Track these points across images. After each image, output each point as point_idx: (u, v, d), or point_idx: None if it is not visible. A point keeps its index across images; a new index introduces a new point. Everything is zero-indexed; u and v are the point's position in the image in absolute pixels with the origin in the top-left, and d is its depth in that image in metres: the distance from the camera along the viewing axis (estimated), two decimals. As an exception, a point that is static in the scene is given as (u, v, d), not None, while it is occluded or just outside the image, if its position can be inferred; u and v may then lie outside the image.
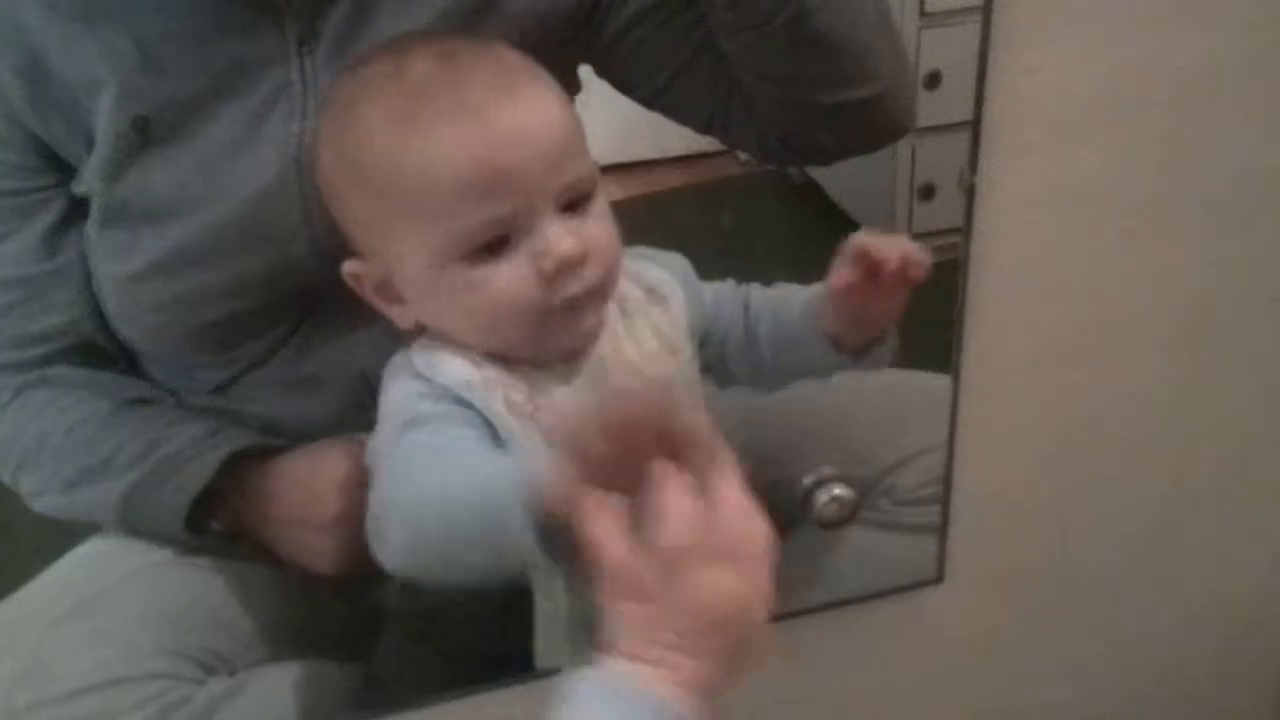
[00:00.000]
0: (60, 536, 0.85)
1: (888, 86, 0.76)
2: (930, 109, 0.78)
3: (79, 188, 0.79)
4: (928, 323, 0.88)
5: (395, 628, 0.86)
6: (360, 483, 0.79)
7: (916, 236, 0.90)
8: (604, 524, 0.53)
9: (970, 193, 0.83)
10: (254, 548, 0.84)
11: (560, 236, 0.68)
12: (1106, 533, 1.06)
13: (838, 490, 0.91)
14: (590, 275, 0.70)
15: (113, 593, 0.82)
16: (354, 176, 0.70)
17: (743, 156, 0.85)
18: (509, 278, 0.68)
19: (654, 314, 0.78)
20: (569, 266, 0.68)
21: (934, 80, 0.78)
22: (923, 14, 0.81)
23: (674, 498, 0.53)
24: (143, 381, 0.85)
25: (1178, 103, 0.86)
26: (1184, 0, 0.83)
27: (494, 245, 0.68)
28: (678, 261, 0.81)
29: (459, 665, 0.86)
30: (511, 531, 0.59)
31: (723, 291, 0.84)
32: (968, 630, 1.07)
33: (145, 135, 0.77)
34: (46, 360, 0.82)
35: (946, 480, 0.96)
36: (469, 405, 0.70)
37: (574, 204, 0.69)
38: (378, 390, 0.82)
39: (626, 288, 0.77)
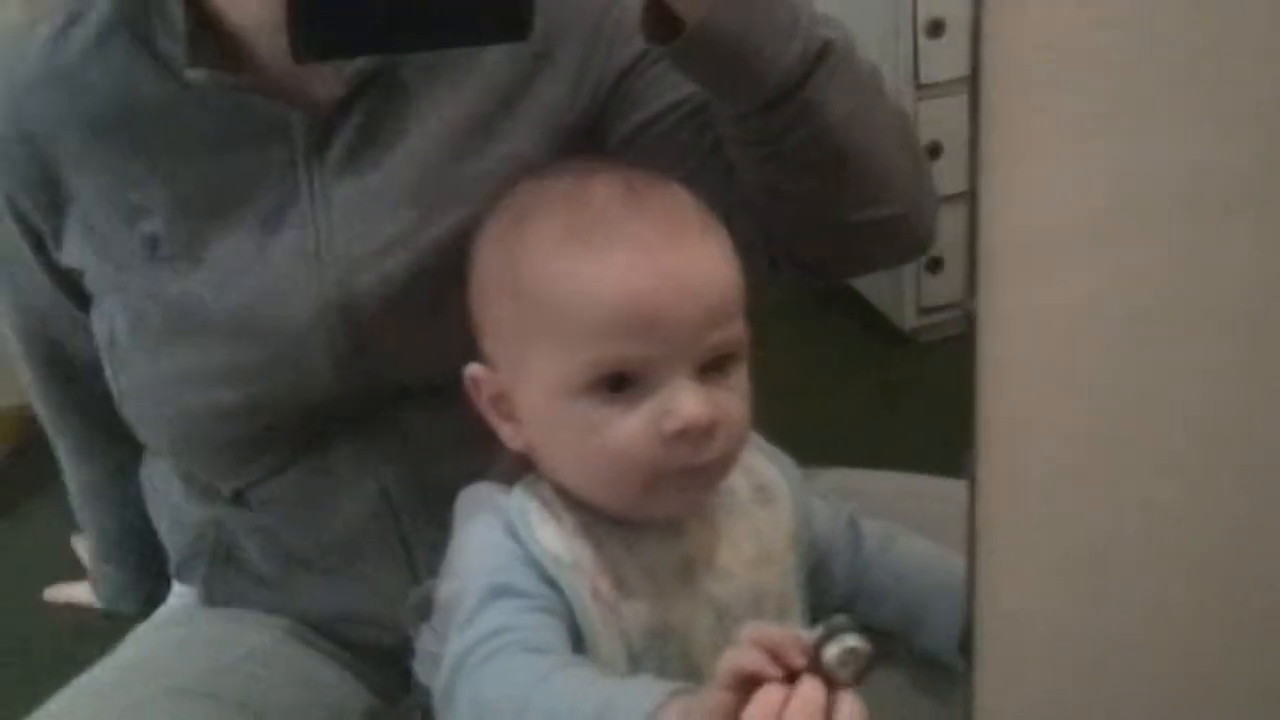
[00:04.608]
0: (76, 661, 0.81)
1: (910, 205, 0.73)
2: (935, 180, 0.77)
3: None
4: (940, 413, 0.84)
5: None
6: None
7: (925, 310, 0.89)
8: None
9: (971, 319, 0.82)
10: None
11: (691, 400, 0.64)
12: (1143, 660, 1.01)
13: (851, 641, 0.81)
14: (713, 449, 0.66)
15: None
16: (509, 283, 0.68)
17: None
18: (630, 428, 0.64)
19: (759, 517, 0.73)
20: (694, 434, 0.64)
21: (935, 151, 0.79)
22: (918, 86, 0.83)
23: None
24: None
25: (1183, 211, 0.87)
26: (1184, 101, 0.85)
27: (622, 384, 0.65)
28: (788, 462, 0.76)
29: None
30: None
31: (833, 516, 0.78)
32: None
33: (155, 251, 0.77)
34: None
35: (970, 615, 0.90)
36: (556, 586, 0.65)
37: (715, 365, 0.66)
38: (398, 508, 0.80)
39: (736, 481, 0.72)
